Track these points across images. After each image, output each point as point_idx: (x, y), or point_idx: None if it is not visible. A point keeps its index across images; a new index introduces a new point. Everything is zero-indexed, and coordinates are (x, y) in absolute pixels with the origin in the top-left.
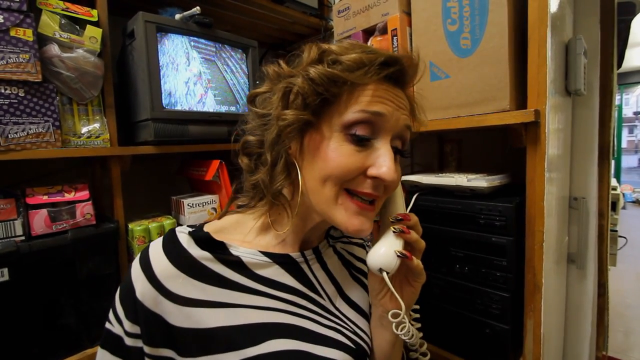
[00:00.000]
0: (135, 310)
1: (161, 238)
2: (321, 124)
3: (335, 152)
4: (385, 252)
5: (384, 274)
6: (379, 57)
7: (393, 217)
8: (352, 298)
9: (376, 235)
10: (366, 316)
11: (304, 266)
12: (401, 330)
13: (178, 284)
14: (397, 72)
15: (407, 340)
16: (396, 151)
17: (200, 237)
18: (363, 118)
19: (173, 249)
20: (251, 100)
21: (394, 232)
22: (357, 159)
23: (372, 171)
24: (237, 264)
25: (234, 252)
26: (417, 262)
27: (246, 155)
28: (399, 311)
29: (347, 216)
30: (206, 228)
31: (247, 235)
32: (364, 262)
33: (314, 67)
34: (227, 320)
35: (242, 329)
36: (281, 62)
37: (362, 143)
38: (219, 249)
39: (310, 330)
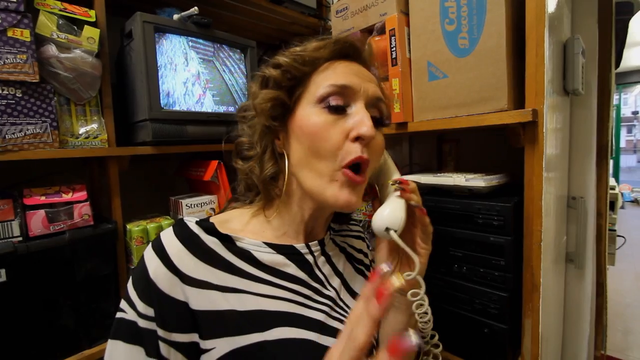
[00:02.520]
0: (149, 290)
1: (169, 228)
2: (297, 106)
3: (317, 123)
4: (389, 211)
5: (392, 232)
6: (331, 39)
7: (392, 180)
8: (357, 290)
9: (376, 206)
10: None
11: (309, 257)
12: (419, 310)
13: (191, 266)
14: (348, 47)
15: (422, 324)
16: (376, 121)
17: (208, 227)
18: (332, 91)
19: (184, 234)
20: (242, 110)
21: (395, 190)
22: (337, 126)
23: (353, 133)
24: (244, 254)
25: (239, 243)
26: (426, 218)
27: (241, 158)
28: (418, 290)
29: (337, 189)
30: (211, 220)
31: (248, 226)
32: (364, 254)
33: (282, 55)
34: (236, 305)
35: (250, 315)
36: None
37: (338, 111)
38: (225, 240)
39: (316, 320)
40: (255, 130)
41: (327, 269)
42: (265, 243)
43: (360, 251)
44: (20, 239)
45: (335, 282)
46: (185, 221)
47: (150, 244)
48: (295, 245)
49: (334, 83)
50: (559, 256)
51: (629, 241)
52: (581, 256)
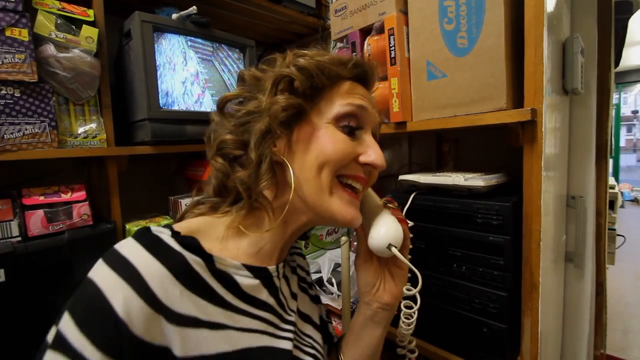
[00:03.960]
0: (117, 335)
1: (129, 240)
2: (311, 115)
3: (332, 139)
4: (387, 229)
5: (393, 248)
6: (350, 58)
7: (384, 200)
8: (304, 311)
9: (362, 233)
10: (317, 327)
11: (276, 281)
12: (408, 319)
13: (176, 297)
14: (364, 72)
15: (405, 331)
16: None
17: (191, 244)
18: (351, 111)
19: (162, 249)
20: (224, 103)
21: (391, 208)
22: (350, 146)
23: (364, 158)
24: (224, 278)
25: (218, 264)
26: (409, 233)
27: (222, 156)
28: (413, 304)
29: (342, 205)
30: (177, 229)
31: (222, 241)
32: (306, 272)
33: (302, 57)
34: (223, 345)
35: (237, 356)
36: (259, 66)
37: (353, 133)
38: (207, 261)
39: (287, 351)
40: (251, 133)
41: (286, 291)
42: (244, 265)
43: (303, 269)
44: (19, 239)
45: (293, 305)
46: (156, 232)
47: (102, 262)
48: (268, 268)
49: (352, 102)
50: (558, 255)
51: (628, 240)
52: (581, 255)
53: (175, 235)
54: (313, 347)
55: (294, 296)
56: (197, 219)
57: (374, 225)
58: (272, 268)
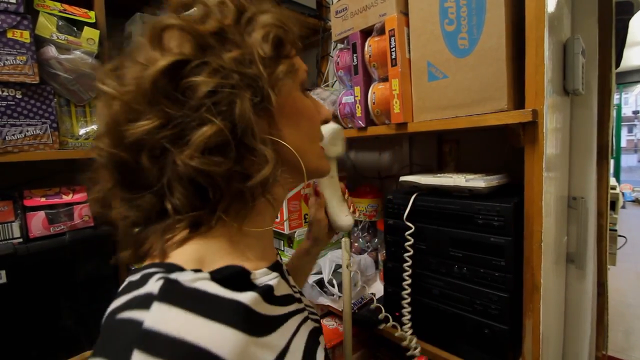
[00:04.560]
0: None
1: (163, 307)
2: (286, 85)
3: (310, 108)
4: (348, 216)
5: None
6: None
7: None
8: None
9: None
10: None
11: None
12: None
13: (256, 356)
14: None
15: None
16: None
17: (229, 275)
18: (306, 76)
19: (216, 307)
20: (178, 76)
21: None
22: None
23: (324, 115)
24: (268, 293)
25: (255, 277)
26: None
27: (209, 154)
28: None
29: (323, 160)
30: (181, 264)
31: (241, 256)
32: None
33: (268, 12)
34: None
35: (306, 355)
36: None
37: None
38: (248, 283)
39: (318, 329)
40: (240, 112)
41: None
42: (268, 267)
43: None
44: (21, 240)
45: (292, 280)
46: (190, 284)
47: (149, 357)
48: (277, 260)
49: (305, 68)
50: (559, 256)
51: (630, 241)
52: (582, 256)
53: (214, 276)
54: (313, 313)
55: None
56: (187, 248)
57: (336, 211)
58: (277, 258)
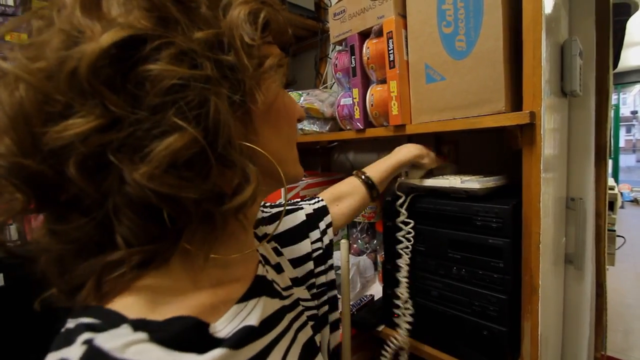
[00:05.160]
0: None
1: None
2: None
3: (291, 108)
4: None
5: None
6: None
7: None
8: (291, 276)
9: None
10: (303, 281)
11: (268, 277)
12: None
13: None
14: None
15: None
16: None
17: (179, 332)
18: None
19: None
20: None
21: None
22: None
23: (299, 113)
24: (245, 337)
25: (216, 329)
26: None
27: (174, 169)
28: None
29: (298, 165)
30: (123, 311)
31: (198, 297)
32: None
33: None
34: None
35: None
36: None
37: None
38: (206, 338)
39: (312, 340)
40: (215, 114)
41: (273, 274)
42: (245, 294)
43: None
44: (19, 243)
45: (285, 281)
46: (116, 353)
47: None
48: (258, 273)
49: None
50: (558, 257)
51: (628, 241)
52: (580, 257)
53: (159, 334)
54: (308, 308)
55: (280, 269)
56: (136, 287)
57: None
58: (260, 269)
